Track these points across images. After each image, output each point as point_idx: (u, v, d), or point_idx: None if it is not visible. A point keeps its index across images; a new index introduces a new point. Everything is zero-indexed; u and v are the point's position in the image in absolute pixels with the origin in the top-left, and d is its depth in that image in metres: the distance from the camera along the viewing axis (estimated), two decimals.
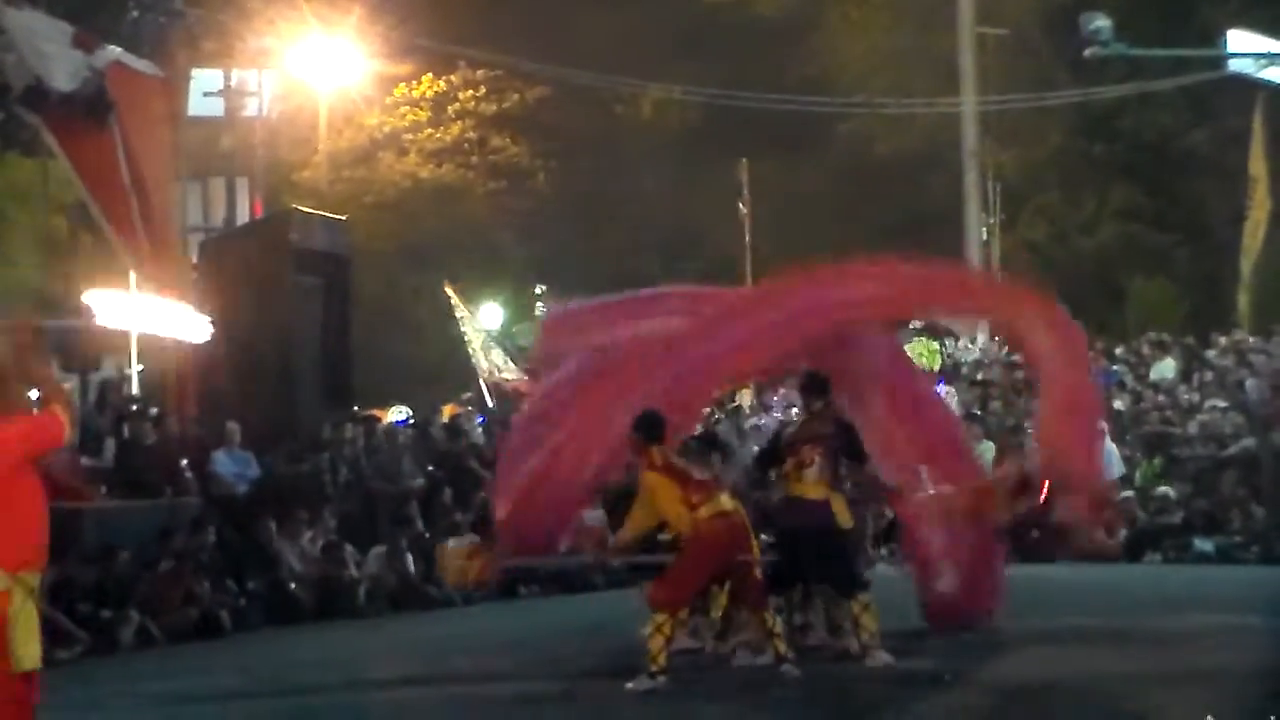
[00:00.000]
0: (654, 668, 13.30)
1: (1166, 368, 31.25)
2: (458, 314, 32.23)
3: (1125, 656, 14.61)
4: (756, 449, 17.61)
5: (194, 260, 26.72)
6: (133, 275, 24.85)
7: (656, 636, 13.38)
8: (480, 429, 27.37)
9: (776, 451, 15.08)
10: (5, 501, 8.39)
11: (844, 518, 14.60)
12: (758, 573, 13.85)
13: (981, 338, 38.00)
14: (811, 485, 14.51)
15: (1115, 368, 32.05)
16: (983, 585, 15.83)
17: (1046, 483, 15.56)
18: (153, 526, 20.21)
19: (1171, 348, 32.30)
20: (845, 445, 14.73)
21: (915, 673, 13.87)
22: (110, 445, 22.37)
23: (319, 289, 25.89)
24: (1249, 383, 29.12)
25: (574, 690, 13.94)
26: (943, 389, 27.20)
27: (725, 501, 13.63)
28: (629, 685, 13.34)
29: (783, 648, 13.63)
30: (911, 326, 34.75)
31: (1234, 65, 36.72)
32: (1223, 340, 32.64)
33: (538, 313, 30.48)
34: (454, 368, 42.77)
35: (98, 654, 17.51)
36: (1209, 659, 14.23)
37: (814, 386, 14.96)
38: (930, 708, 12.60)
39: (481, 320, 42.83)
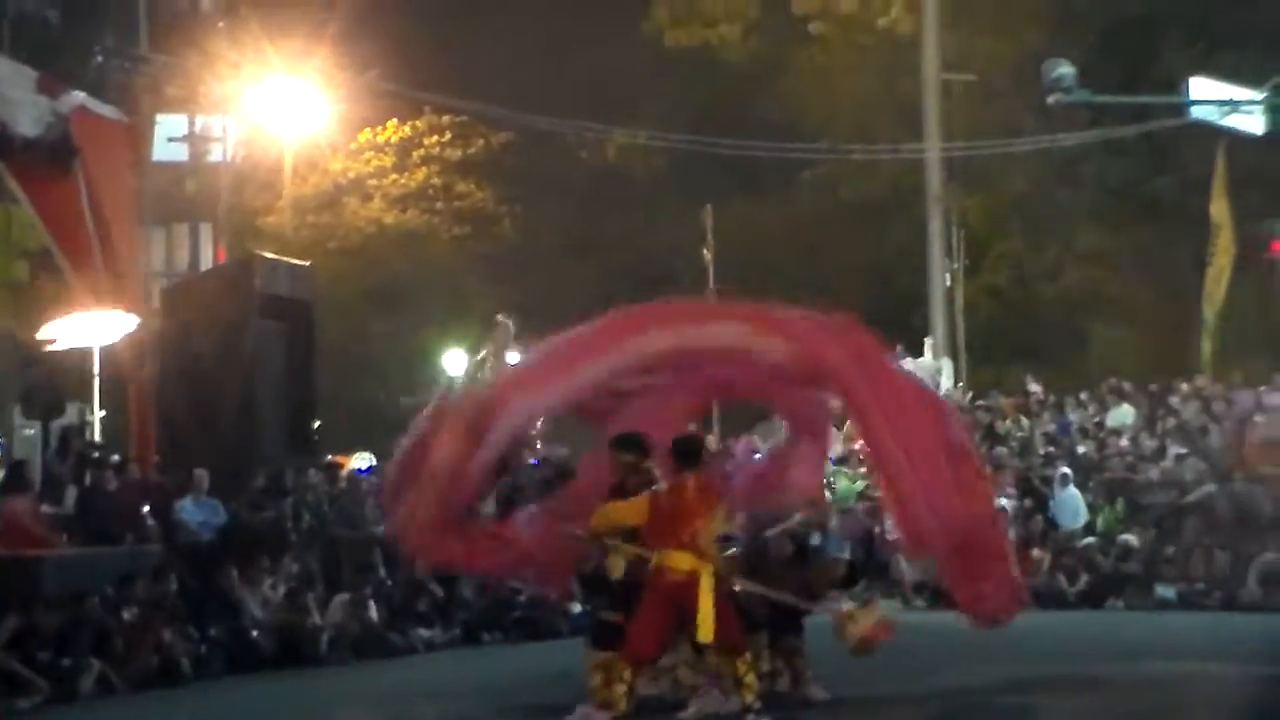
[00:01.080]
0: (615, 712, 13.32)
1: (1124, 414, 31.33)
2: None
3: (1093, 704, 14.64)
4: None
5: (157, 305, 26.63)
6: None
7: (618, 685, 13.36)
8: None
9: None
10: None
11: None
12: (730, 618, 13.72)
13: (945, 383, 38.08)
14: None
15: (1071, 416, 32.17)
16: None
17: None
18: (114, 574, 20.10)
19: (1131, 394, 32.37)
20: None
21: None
22: (72, 492, 22.28)
23: (282, 334, 25.84)
24: (1211, 429, 29.22)
25: None
26: None
27: (686, 559, 13.42)
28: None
29: (750, 698, 13.48)
30: None
31: (1196, 112, 36.85)
32: (1185, 387, 32.74)
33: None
34: (420, 413, 42.72)
35: (58, 702, 17.43)
36: (1174, 704, 14.28)
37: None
38: None
39: (449, 368, 42.89)
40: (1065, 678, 16.15)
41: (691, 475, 13.78)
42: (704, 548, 13.55)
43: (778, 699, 14.29)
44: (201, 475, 22.74)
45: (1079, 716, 14.07)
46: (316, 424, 27.26)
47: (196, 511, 22.52)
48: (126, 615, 19.21)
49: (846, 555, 23.96)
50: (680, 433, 14.41)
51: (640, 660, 13.59)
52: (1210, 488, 26.46)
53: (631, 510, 13.69)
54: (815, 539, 22.43)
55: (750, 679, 13.60)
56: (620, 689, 13.36)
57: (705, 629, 13.31)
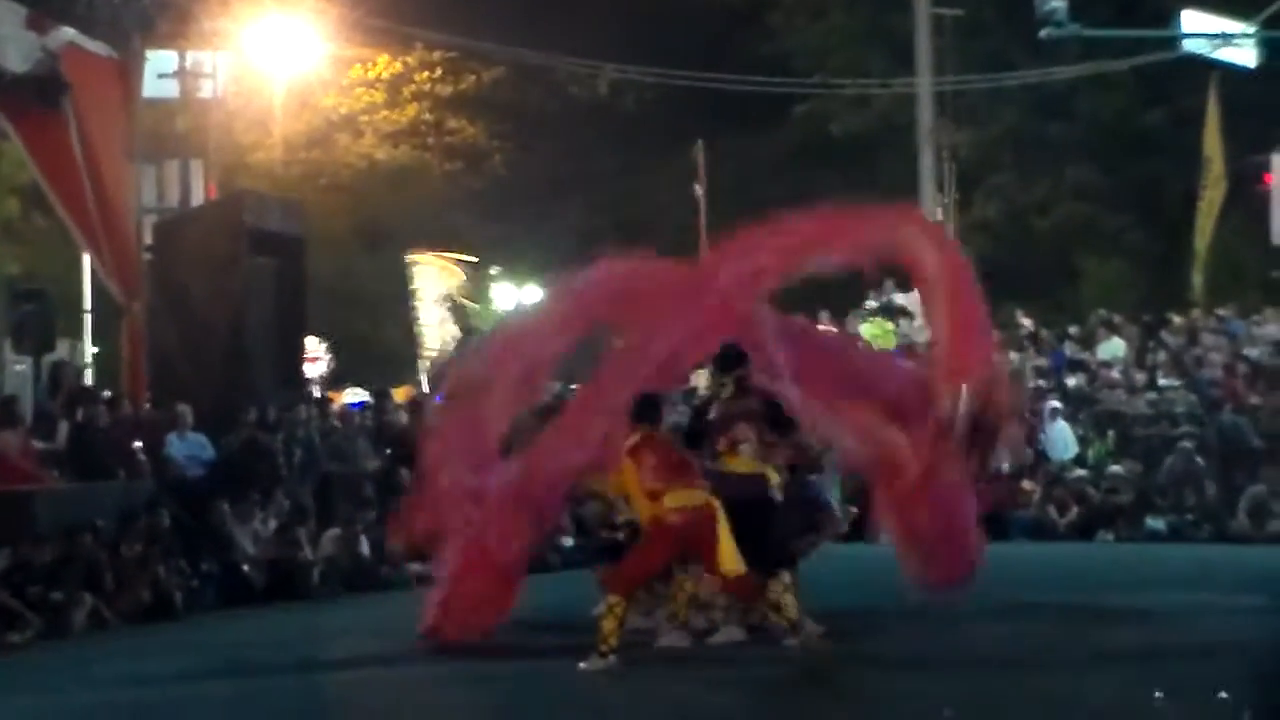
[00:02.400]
0: (605, 647, 13.37)
1: (1115, 347, 31.40)
2: (412, 286, 32.11)
3: (1082, 633, 14.73)
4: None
5: (148, 241, 26.60)
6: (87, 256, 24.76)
7: (609, 617, 13.46)
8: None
9: (702, 430, 15.10)
10: None
11: (777, 490, 14.67)
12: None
13: None
14: (746, 461, 14.56)
15: (1062, 349, 32.23)
16: (965, 542, 15.72)
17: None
18: (106, 509, 20.16)
19: (1123, 327, 32.43)
20: (772, 417, 14.75)
21: (878, 654, 13.97)
22: (64, 428, 22.30)
23: (273, 271, 25.81)
24: (1201, 361, 29.32)
25: (529, 670, 13.96)
26: None
27: (691, 495, 13.53)
28: (582, 665, 13.38)
29: (776, 617, 13.68)
30: (866, 307, 34.91)
31: (1188, 46, 36.86)
32: (1177, 319, 32.80)
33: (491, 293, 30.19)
34: (412, 350, 42.76)
35: (50, 637, 17.47)
36: (1165, 637, 14.37)
37: (730, 360, 14.99)
38: (893, 688, 12.66)
39: (437, 291, 42.81)
40: (1051, 607, 16.21)
41: (655, 429, 13.96)
42: (700, 481, 13.69)
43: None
44: (185, 411, 22.71)
45: (1061, 646, 14.11)
46: (313, 358, 27.25)
47: (183, 447, 22.54)
48: (119, 550, 19.27)
49: (836, 495, 24.10)
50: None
51: (626, 592, 13.66)
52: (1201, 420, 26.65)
53: (629, 474, 13.75)
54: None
55: (788, 600, 13.67)
56: (611, 624, 13.43)
57: (728, 559, 13.38)
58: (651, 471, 13.62)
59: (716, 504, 13.53)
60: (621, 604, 13.52)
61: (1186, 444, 26.22)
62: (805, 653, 13.27)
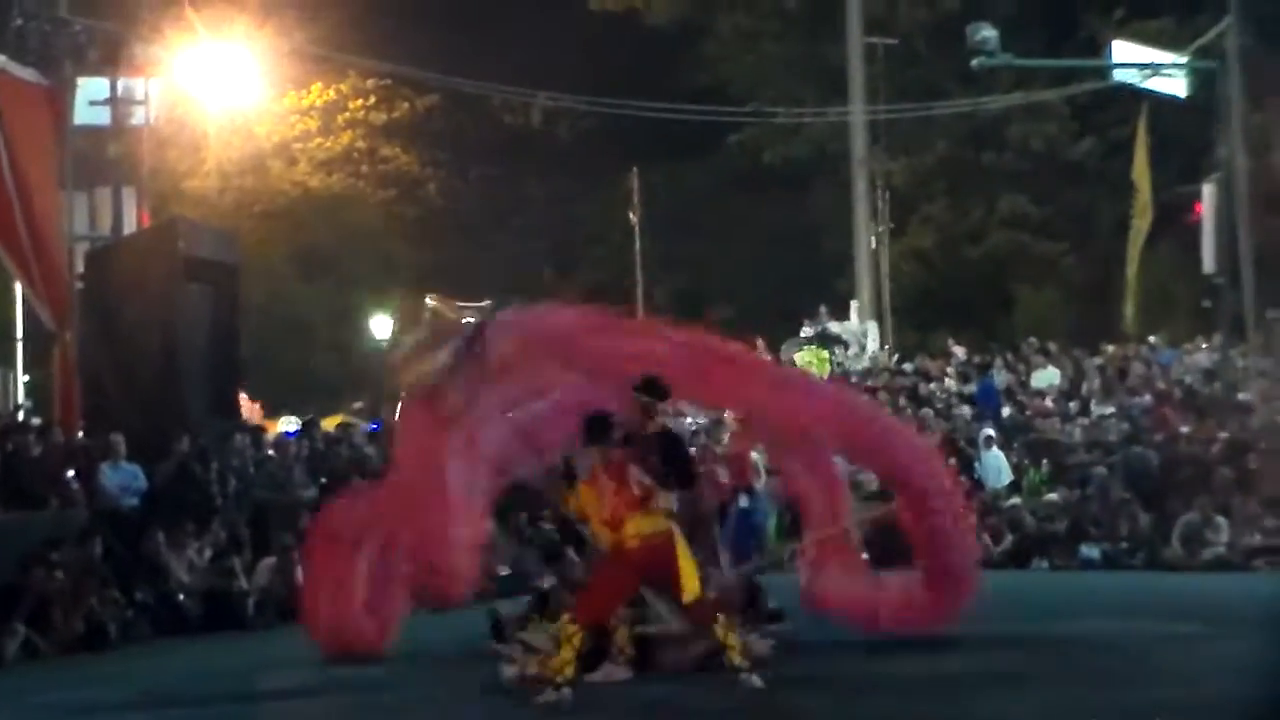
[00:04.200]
0: (561, 679, 13.14)
1: (1049, 376, 31.60)
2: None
3: (1011, 661, 14.78)
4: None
5: (80, 269, 26.44)
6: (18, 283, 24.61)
7: (566, 647, 13.20)
8: (368, 438, 27.16)
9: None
10: None
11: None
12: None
13: (871, 346, 38.24)
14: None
15: (995, 376, 32.36)
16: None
17: None
18: (37, 538, 19.98)
19: (1057, 356, 32.63)
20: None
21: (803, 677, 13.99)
22: None
23: (207, 298, 25.69)
24: (1134, 391, 29.50)
25: (473, 699, 13.92)
26: None
27: (653, 522, 13.33)
28: (538, 699, 13.19)
29: (737, 659, 13.35)
30: (801, 335, 35.03)
31: (1118, 75, 37.12)
32: (1110, 348, 33.02)
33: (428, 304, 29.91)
34: (346, 377, 42.65)
35: None
36: (1100, 663, 14.42)
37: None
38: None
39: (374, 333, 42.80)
40: (987, 636, 16.23)
41: (609, 449, 13.63)
42: (659, 508, 13.43)
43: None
44: (118, 441, 22.52)
45: (998, 674, 14.16)
46: (241, 387, 27.14)
47: (116, 477, 22.36)
48: (52, 581, 19.10)
49: (773, 518, 24.23)
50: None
51: (590, 623, 13.50)
52: (1134, 448, 26.76)
53: (589, 498, 13.61)
54: (743, 501, 22.66)
55: (733, 640, 13.44)
56: (568, 654, 13.18)
57: (690, 584, 13.28)
58: (612, 497, 13.37)
59: (675, 529, 13.38)
60: (579, 634, 13.23)
61: (1101, 470, 26.41)
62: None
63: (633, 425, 13.89)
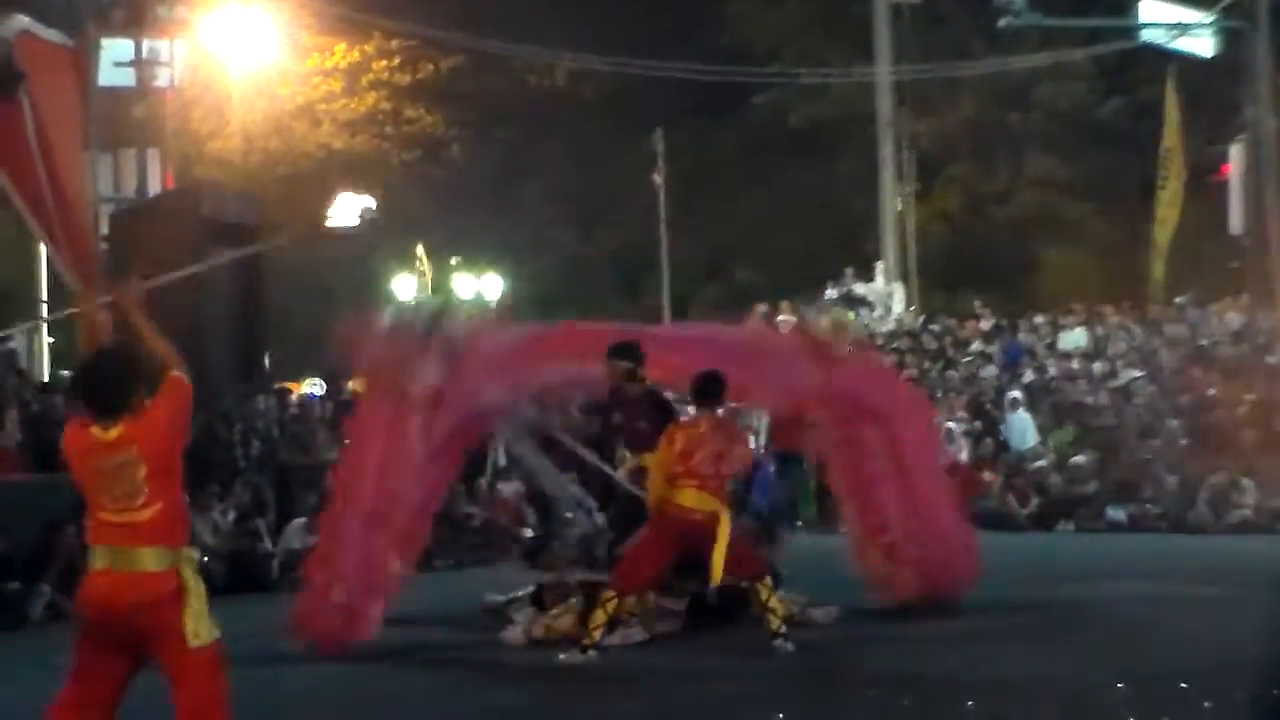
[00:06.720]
0: (588, 641, 13.18)
1: (1076, 337, 31.48)
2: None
3: (1033, 623, 14.76)
4: None
5: (105, 231, 26.42)
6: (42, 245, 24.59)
7: (600, 611, 13.23)
8: None
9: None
10: (175, 482, 8.46)
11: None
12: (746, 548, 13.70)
13: (897, 308, 38.19)
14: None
15: (1022, 337, 32.27)
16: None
17: None
18: (65, 501, 19.95)
19: (1082, 317, 32.53)
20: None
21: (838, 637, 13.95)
22: (14, 418, 22.11)
23: (231, 261, 25.64)
24: (1162, 352, 29.38)
25: (500, 662, 13.90)
26: None
27: (703, 500, 13.21)
28: (561, 657, 13.27)
29: (776, 623, 13.34)
30: (827, 297, 34.96)
31: (1146, 36, 36.96)
32: (1138, 311, 32.93)
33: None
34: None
35: (6, 628, 17.35)
36: (1125, 625, 14.40)
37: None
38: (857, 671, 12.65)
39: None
40: (1013, 599, 16.19)
41: (709, 413, 13.61)
42: (722, 488, 13.43)
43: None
44: None
45: (1023, 635, 14.13)
46: (266, 351, 27.13)
47: None
48: (79, 543, 19.09)
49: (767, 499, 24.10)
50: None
51: (629, 590, 13.50)
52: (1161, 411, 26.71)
53: (666, 453, 13.44)
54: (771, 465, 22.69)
55: (775, 603, 13.45)
56: (601, 618, 13.22)
57: (717, 572, 13.19)
58: (680, 455, 13.30)
59: (726, 514, 13.28)
60: (614, 600, 13.25)
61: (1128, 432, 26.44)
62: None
63: (618, 390, 13.98)
